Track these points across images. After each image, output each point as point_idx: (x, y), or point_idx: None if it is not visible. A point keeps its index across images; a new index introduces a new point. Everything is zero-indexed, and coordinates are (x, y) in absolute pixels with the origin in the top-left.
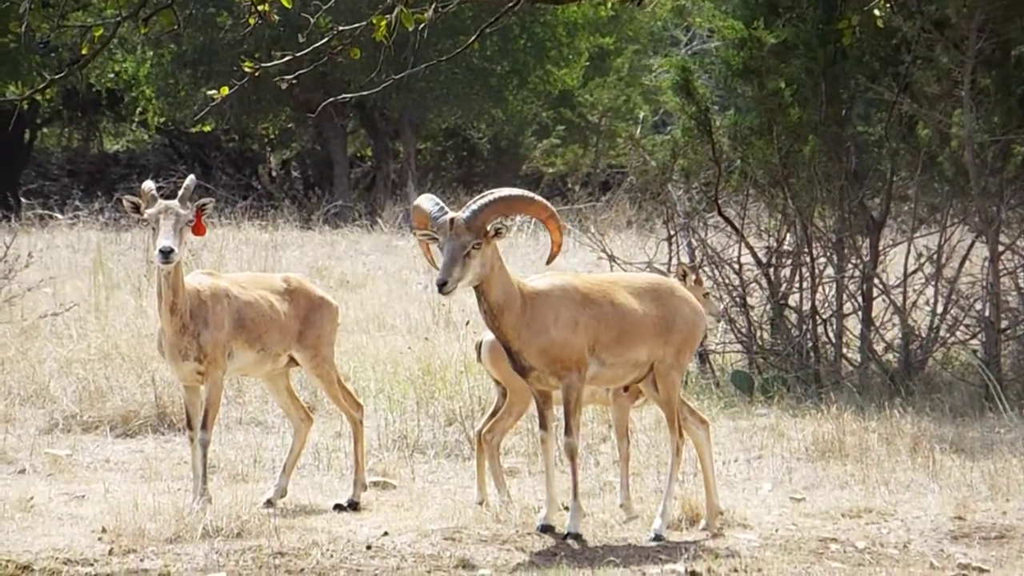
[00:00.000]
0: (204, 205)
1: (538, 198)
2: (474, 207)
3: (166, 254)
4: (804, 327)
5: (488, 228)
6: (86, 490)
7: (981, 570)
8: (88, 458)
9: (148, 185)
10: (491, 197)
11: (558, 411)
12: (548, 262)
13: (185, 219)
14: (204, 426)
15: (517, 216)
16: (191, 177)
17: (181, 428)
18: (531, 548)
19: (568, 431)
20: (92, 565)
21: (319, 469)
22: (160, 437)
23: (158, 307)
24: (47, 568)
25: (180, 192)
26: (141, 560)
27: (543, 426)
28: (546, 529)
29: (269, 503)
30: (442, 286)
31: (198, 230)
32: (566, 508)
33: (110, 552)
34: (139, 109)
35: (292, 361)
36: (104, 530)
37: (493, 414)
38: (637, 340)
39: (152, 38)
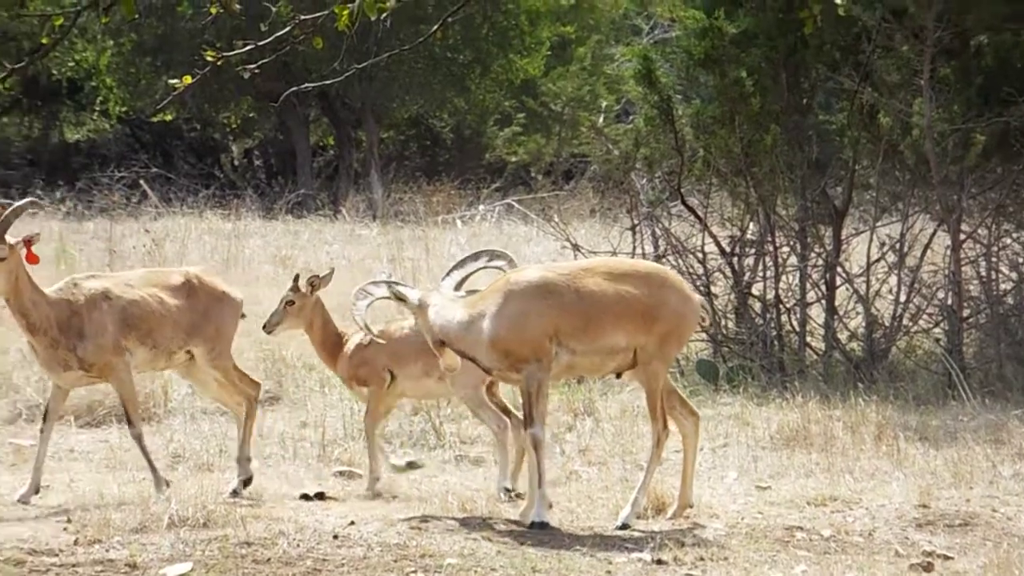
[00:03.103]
0: (31, 237)
1: None
2: None
3: None
4: (768, 316)
5: None
6: (50, 480)
7: (946, 557)
8: (52, 448)
9: None
10: None
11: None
12: None
13: None
14: (130, 421)
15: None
16: (21, 202)
17: (146, 418)
18: (497, 538)
19: (531, 422)
20: (58, 555)
21: (285, 459)
22: (124, 427)
23: None
24: (12, 559)
25: None
26: (107, 550)
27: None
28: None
29: (235, 493)
30: None
31: (30, 259)
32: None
33: (75, 542)
34: (100, 98)
35: (191, 357)
36: (69, 520)
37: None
38: (607, 327)
39: (112, 27)
